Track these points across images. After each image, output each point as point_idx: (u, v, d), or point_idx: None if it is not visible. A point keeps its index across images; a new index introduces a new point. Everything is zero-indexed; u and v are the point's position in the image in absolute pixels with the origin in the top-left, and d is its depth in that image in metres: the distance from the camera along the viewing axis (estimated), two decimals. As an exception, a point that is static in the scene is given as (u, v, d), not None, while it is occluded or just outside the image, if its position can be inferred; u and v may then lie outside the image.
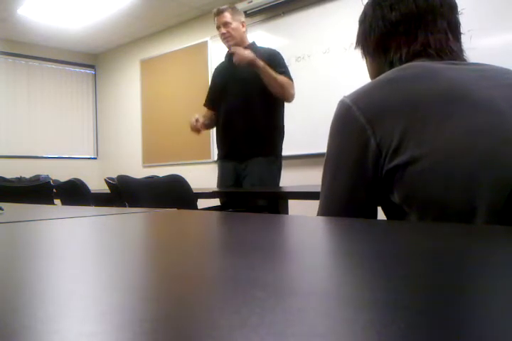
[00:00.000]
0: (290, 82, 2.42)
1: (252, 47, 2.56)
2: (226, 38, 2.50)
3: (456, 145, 0.67)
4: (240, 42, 2.53)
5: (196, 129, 2.53)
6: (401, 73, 0.78)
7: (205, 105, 2.70)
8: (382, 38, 0.87)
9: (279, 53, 2.52)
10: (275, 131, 2.50)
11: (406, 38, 0.85)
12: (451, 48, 0.84)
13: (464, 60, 0.86)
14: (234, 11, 2.54)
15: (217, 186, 2.61)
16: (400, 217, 0.76)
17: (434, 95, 0.72)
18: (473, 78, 0.74)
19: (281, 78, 2.38)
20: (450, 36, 0.85)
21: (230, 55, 2.58)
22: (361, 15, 0.94)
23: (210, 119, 2.62)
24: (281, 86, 2.38)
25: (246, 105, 2.44)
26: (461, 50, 0.86)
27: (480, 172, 0.65)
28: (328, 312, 0.21)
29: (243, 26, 2.55)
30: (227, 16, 2.49)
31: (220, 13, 2.50)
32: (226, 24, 2.49)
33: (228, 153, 2.55)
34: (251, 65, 2.34)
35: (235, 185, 2.53)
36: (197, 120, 2.50)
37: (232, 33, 2.50)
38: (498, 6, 2.98)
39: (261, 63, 2.34)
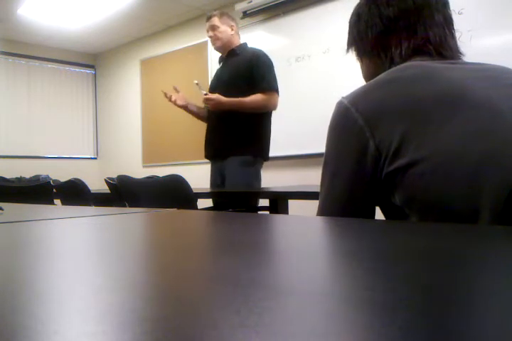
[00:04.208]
0: (263, 97, 2.44)
1: (240, 48, 2.64)
2: (212, 40, 2.63)
3: (457, 147, 0.67)
4: (228, 44, 2.62)
5: (170, 98, 2.62)
6: (400, 74, 0.77)
7: (204, 106, 2.75)
8: (381, 35, 0.87)
9: (262, 55, 2.53)
10: (252, 130, 2.51)
11: (406, 33, 0.84)
12: (449, 44, 0.84)
13: (461, 56, 0.86)
14: (222, 15, 2.65)
15: (210, 186, 2.67)
16: (401, 219, 0.75)
17: (434, 96, 0.71)
18: (473, 78, 0.74)
19: (250, 101, 2.43)
20: (447, 31, 0.85)
21: (221, 59, 2.70)
22: (352, 17, 0.93)
23: (200, 110, 2.73)
24: (254, 107, 2.45)
25: (220, 112, 2.51)
26: (457, 46, 0.86)
27: (481, 174, 0.65)
28: (328, 312, 0.21)
29: (232, 30, 2.64)
30: (215, 20, 2.62)
31: (209, 18, 2.65)
32: (213, 27, 2.61)
33: (208, 154, 2.64)
34: (219, 106, 2.46)
35: (222, 184, 2.57)
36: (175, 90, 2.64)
37: (218, 35, 2.60)
38: (498, 6, 2.98)
39: (225, 102, 2.43)
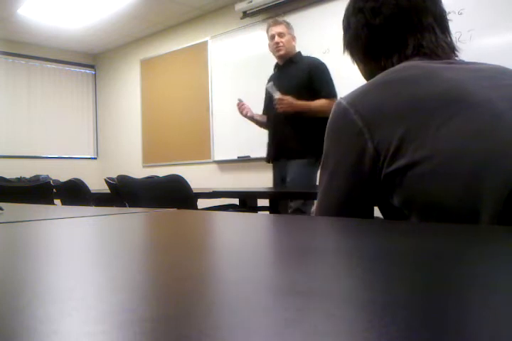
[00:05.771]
0: (328, 101, 2.53)
1: (297, 56, 2.72)
2: (278, 47, 2.69)
3: (456, 148, 0.66)
4: (288, 54, 2.70)
5: (243, 110, 2.73)
6: (398, 75, 0.77)
7: (263, 113, 2.90)
8: (370, 45, 0.86)
9: (321, 64, 2.63)
10: (315, 134, 2.55)
11: (395, 43, 0.83)
12: (442, 46, 0.82)
13: (455, 52, 0.85)
14: (288, 24, 2.75)
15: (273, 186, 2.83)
16: (401, 220, 0.75)
17: (433, 97, 0.71)
18: (472, 78, 0.73)
19: (316, 105, 2.53)
20: (438, 31, 0.83)
21: (278, 66, 2.80)
22: (344, 20, 0.91)
23: (262, 118, 2.84)
24: (320, 111, 2.51)
25: (287, 115, 2.59)
26: (452, 44, 0.85)
27: (481, 174, 0.64)
28: (328, 312, 0.21)
29: (294, 41, 2.75)
30: (283, 28, 2.71)
31: (276, 23, 2.73)
32: (281, 34, 2.69)
33: (270, 156, 2.77)
34: (289, 108, 2.55)
35: (281, 184, 2.71)
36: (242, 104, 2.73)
37: (286, 43, 2.69)
38: (498, 6, 2.98)
39: (295, 105, 2.53)
